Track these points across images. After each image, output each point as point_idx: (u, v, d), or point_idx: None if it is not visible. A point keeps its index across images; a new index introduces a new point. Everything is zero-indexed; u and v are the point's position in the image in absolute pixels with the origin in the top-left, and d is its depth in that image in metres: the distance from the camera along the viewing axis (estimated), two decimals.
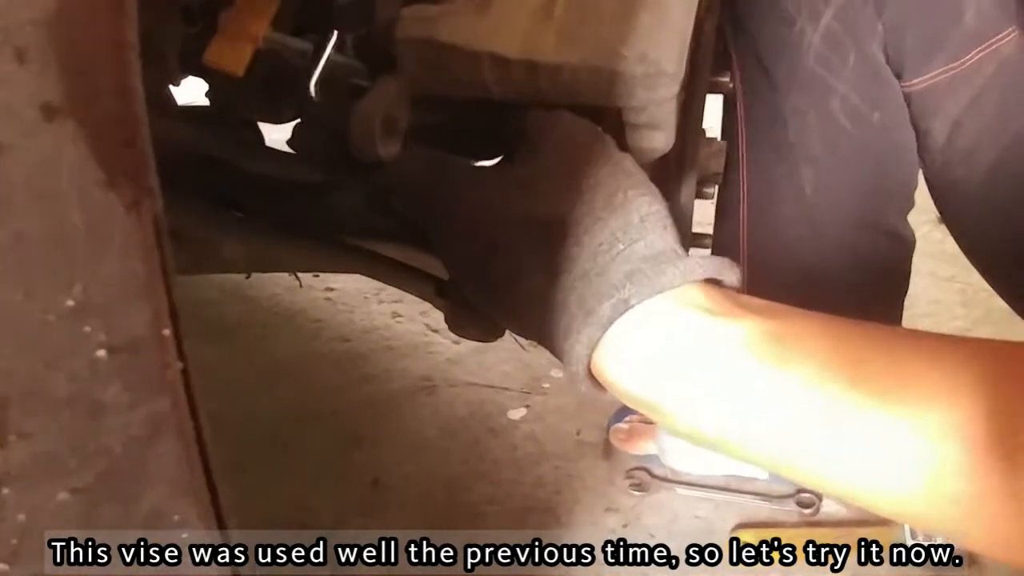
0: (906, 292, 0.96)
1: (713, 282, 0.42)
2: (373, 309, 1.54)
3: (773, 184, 0.87)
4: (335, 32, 0.54)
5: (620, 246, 0.41)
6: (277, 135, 0.66)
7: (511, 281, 0.45)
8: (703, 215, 0.95)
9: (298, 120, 0.58)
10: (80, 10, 0.15)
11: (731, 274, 0.42)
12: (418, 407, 1.29)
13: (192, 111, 0.68)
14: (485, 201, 0.46)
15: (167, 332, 0.18)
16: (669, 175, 0.69)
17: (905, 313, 1.03)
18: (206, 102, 0.67)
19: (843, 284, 0.90)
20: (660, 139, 0.50)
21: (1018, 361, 0.35)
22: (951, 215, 0.85)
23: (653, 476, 1.13)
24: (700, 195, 0.77)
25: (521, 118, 0.48)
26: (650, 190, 0.44)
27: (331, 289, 1.60)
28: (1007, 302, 0.86)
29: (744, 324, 0.39)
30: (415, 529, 1.07)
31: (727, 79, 0.75)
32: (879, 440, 0.35)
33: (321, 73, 0.49)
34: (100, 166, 0.16)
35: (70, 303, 0.16)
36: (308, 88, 0.50)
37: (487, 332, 0.59)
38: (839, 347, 0.38)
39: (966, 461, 0.33)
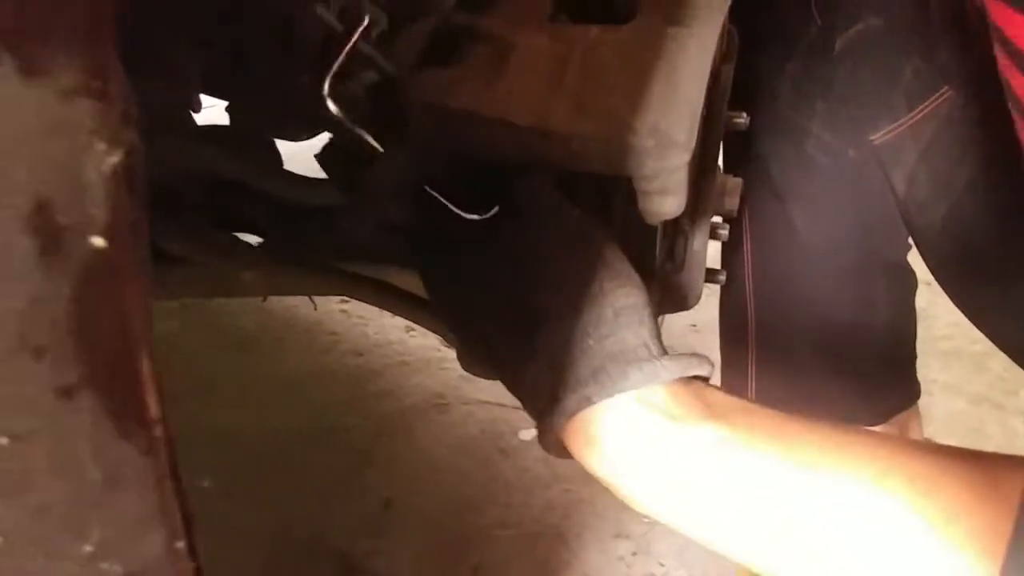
0: (915, 331, 0.97)
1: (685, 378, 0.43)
2: (387, 323, 1.55)
3: (769, 223, 0.89)
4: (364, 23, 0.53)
5: (590, 341, 0.42)
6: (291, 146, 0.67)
7: (493, 349, 0.48)
8: (714, 248, 0.96)
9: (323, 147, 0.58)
10: (99, 305, 0.16)
11: (701, 368, 0.43)
12: (431, 425, 1.30)
13: (211, 132, 0.69)
14: (471, 275, 0.47)
15: (181, 545, 0.18)
16: (683, 220, 0.69)
17: (924, 335, 1.02)
18: (225, 122, 0.68)
19: (846, 320, 0.90)
20: (671, 204, 0.49)
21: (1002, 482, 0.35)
22: (925, 258, 0.87)
23: None
24: (714, 236, 0.77)
25: (512, 188, 0.48)
26: (628, 280, 0.45)
27: (346, 301, 1.61)
28: (984, 334, 0.88)
29: (700, 431, 0.40)
30: (425, 552, 1.08)
31: (742, 118, 0.75)
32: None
33: (332, 140, 0.49)
34: (114, 423, 0.17)
35: (88, 548, 0.17)
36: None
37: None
38: (793, 453, 0.39)
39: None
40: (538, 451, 1.23)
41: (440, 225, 0.50)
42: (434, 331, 0.80)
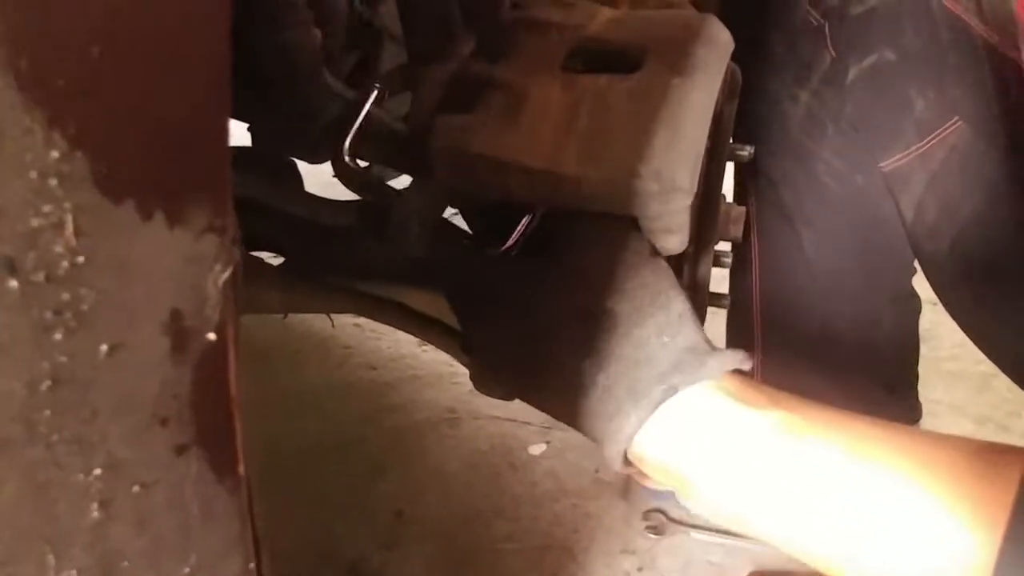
0: (918, 354, 0.99)
1: (736, 371, 0.48)
2: (400, 337, 1.58)
3: (778, 245, 0.92)
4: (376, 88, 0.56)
5: (665, 338, 0.47)
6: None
7: (547, 367, 0.49)
8: (718, 272, 0.99)
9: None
10: (209, 382, 0.20)
11: (746, 363, 0.48)
12: (442, 439, 1.33)
13: (233, 153, 0.71)
14: (524, 293, 0.50)
15: (252, 566, 0.22)
16: (688, 249, 0.72)
17: (929, 355, 1.05)
18: (246, 143, 0.70)
19: (850, 342, 0.93)
20: (674, 241, 0.53)
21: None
22: (931, 282, 0.90)
23: (669, 519, 1.15)
24: (718, 263, 0.80)
25: (549, 220, 0.51)
26: (681, 289, 0.49)
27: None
28: (989, 357, 0.90)
29: (768, 413, 0.45)
30: (435, 563, 1.10)
31: (746, 151, 0.78)
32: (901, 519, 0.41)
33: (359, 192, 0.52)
34: (212, 470, 0.21)
35: (186, 570, 0.21)
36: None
37: (510, 392, 0.62)
38: (848, 436, 0.44)
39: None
40: (547, 466, 1.26)
41: (470, 258, 0.53)
42: (446, 350, 0.83)
